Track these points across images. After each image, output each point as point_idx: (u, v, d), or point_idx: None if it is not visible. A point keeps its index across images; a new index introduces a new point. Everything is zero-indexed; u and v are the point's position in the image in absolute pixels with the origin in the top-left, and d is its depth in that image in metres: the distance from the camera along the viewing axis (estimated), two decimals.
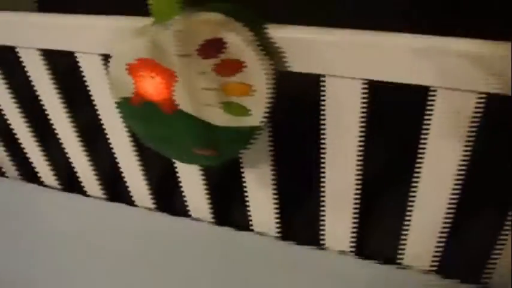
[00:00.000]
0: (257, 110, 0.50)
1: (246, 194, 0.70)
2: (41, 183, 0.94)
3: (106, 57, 0.61)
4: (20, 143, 0.88)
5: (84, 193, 0.90)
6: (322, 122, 0.56)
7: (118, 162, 0.79)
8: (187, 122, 0.53)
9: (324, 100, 0.54)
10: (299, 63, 0.50)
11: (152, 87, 0.51)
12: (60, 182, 0.93)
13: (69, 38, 0.62)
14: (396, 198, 0.64)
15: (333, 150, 0.58)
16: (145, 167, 0.78)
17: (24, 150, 0.89)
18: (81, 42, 0.62)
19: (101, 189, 0.87)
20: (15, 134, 0.86)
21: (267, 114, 0.51)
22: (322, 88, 0.53)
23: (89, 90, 0.69)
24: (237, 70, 0.47)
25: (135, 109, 0.55)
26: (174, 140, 0.56)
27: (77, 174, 0.87)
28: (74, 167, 0.86)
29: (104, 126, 0.74)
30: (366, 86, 0.51)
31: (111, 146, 0.76)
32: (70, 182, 0.91)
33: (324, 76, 0.52)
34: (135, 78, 0.52)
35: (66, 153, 0.84)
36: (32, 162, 0.91)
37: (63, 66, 0.71)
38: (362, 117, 0.54)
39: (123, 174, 0.81)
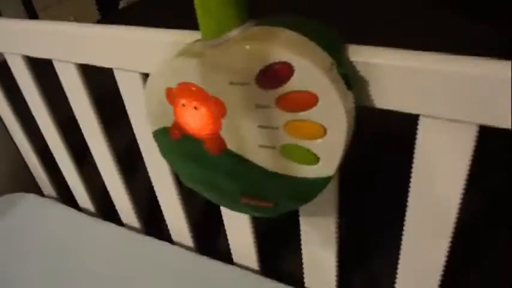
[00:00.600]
0: (329, 157, 0.38)
1: (301, 246, 0.57)
2: (77, 206, 0.87)
3: (147, 77, 0.51)
4: (57, 164, 0.81)
5: (118, 221, 0.81)
6: (411, 166, 0.43)
7: (156, 194, 0.69)
8: (237, 165, 0.41)
9: (415, 144, 0.40)
10: (390, 98, 0.37)
11: (195, 119, 0.40)
12: (96, 207, 0.85)
13: (106, 52, 0.53)
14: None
15: (422, 203, 0.44)
16: (185, 203, 0.68)
17: (62, 171, 0.82)
18: (119, 58, 0.52)
19: (137, 219, 0.78)
20: (53, 154, 0.79)
21: (340, 163, 0.38)
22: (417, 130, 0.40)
23: (128, 114, 0.59)
24: (307, 105, 0.35)
25: (173, 143, 0.44)
26: (219, 185, 0.45)
27: (113, 202, 0.78)
28: (109, 194, 0.77)
29: (142, 154, 0.64)
30: (477, 130, 0.37)
31: (148, 175, 0.66)
32: (106, 208, 0.83)
33: (417, 116, 0.39)
34: (175, 106, 0.41)
35: (103, 178, 0.75)
36: (68, 184, 0.84)
37: (101, 84, 0.63)
38: (468, 165, 0.40)
39: (160, 207, 0.71)
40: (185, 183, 0.49)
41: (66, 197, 0.89)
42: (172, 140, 0.44)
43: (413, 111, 0.38)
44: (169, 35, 0.45)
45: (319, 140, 0.37)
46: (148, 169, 0.65)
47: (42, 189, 0.92)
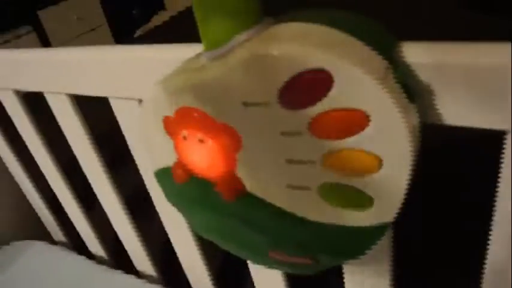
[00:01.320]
0: (387, 197, 0.27)
1: None
2: (89, 253, 0.78)
3: None
4: (65, 211, 0.72)
5: (133, 269, 0.71)
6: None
7: (170, 241, 0.59)
8: (260, 212, 0.31)
9: (501, 170, 0.29)
10: (471, 112, 0.27)
11: (201, 155, 0.30)
12: (108, 254, 0.75)
13: (95, 78, 0.44)
14: None
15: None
16: (205, 250, 0.57)
17: (70, 218, 0.73)
18: (111, 84, 0.43)
19: (152, 267, 0.67)
20: (60, 200, 0.71)
21: (401, 205, 0.27)
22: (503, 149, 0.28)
23: (131, 150, 0.50)
24: (354, 128, 0.24)
25: (178, 186, 0.34)
26: (241, 237, 0.34)
27: (126, 249, 0.69)
28: (120, 240, 0.68)
29: (151, 197, 0.54)
30: None
31: (161, 220, 0.56)
32: (119, 255, 0.73)
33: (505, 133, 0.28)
34: (176, 139, 0.31)
35: (112, 224, 0.65)
36: (77, 231, 0.75)
37: (106, 117, 0.54)
38: None
39: (177, 255, 0.60)
40: (198, 233, 0.39)
41: (77, 243, 0.80)
42: (177, 182, 0.34)
43: (502, 127, 0.27)
44: (166, 50, 0.36)
45: (372, 176, 0.26)
46: (159, 213, 0.55)
47: (53, 235, 0.84)
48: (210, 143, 0.28)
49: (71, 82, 0.47)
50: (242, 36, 0.25)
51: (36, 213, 0.81)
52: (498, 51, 0.24)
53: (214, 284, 0.60)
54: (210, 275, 0.59)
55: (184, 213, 0.38)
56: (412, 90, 0.25)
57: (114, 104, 0.46)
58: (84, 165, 0.58)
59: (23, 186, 0.77)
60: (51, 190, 0.70)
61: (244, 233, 0.34)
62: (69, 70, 0.46)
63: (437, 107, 0.27)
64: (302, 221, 0.30)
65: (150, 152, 0.35)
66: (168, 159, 0.34)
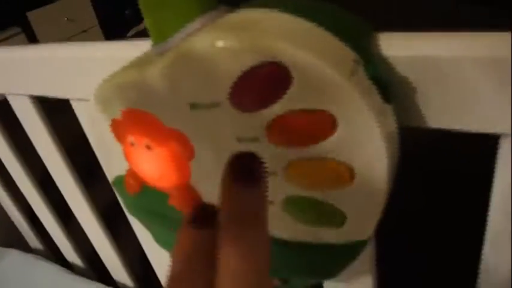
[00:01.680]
0: (361, 212, 0.23)
1: None
2: (66, 262, 0.74)
3: None
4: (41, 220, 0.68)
5: (109, 278, 0.67)
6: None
7: (146, 253, 0.55)
8: None
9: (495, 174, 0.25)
10: (463, 113, 0.23)
11: (150, 164, 0.26)
12: (85, 262, 0.71)
13: (54, 78, 0.40)
14: None
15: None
16: None
17: (46, 227, 0.69)
18: (71, 85, 0.39)
19: (129, 278, 0.64)
20: (32, 207, 0.67)
21: (379, 219, 0.24)
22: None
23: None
24: (319, 134, 0.20)
25: (133, 197, 0.31)
26: None
27: (102, 259, 0.65)
28: (97, 251, 0.64)
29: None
30: None
31: (135, 232, 0.53)
32: (96, 264, 0.69)
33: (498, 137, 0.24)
34: (124, 145, 0.27)
35: (88, 236, 0.62)
36: (54, 240, 0.71)
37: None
38: None
39: (155, 267, 0.56)
40: (161, 246, 0.35)
41: (53, 250, 0.76)
42: (129, 193, 0.30)
43: (499, 131, 0.23)
44: (114, 47, 0.32)
45: (344, 188, 0.22)
46: (131, 223, 0.51)
47: (29, 242, 0.80)
48: (158, 150, 0.25)
49: (31, 82, 0.43)
50: (190, 28, 0.22)
51: (11, 219, 0.77)
52: (495, 42, 0.21)
53: None
54: None
55: (144, 225, 0.34)
56: (388, 88, 0.21)
57: (76, 107, 0.43)
58: (55, 175, 0.55)
59: None
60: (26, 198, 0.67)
61: None
62: (29, 69, 0.42)
63: (419, 107, 0.23)
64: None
65: (104, 159, 0.31)
66: (119, 168, 0.30)
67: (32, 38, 1.77)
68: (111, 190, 0.47)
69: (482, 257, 0.29)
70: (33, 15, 1.77)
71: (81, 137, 0.49)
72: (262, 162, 0.17)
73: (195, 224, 0.18)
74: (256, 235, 0.17)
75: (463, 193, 0.47)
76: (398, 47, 0.22)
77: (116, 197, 0.46)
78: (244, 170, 0.17)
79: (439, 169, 0.50)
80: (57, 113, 0.52)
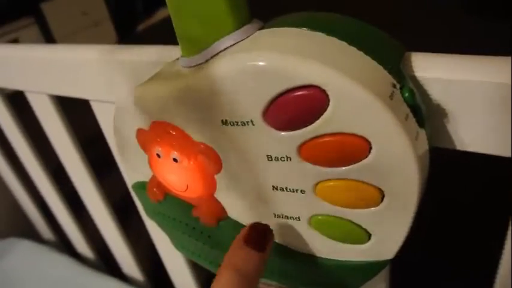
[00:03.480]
0: (387, 233, 0.22)
1: None
2: (77, 253, 0.73)
3: None
4: (53, 212, 0.68)
5: (119, 271, 0.66)
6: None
7: (157, 248, 0.54)
8: None
9: None
10: (491, 137, 0.22)
11: (177, 176, 0.25)
12: (96, 254, 0.71)
13: (76, 79, 0.39)
14: None
15: None
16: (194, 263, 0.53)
17: (57, 219, 0.69)
18: (91, 86, 0.39)
19: (140, 272, 0.63)
20: (45, 199, 0.66)
21: (402, 241, 0.23)
22: None
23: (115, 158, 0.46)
24: (352, 156, 0.20)
25: (154, 204, 0.30)
26: (221, 261, 0.30)
27: (113, 253, 0.64)
28: (108, 245, 0.63)
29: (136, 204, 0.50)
30: None
31: (147, 228, 0.52)
32: (106, 257, 0.69)
33: None
34: (150, 156, 0.27)
35: (99, 229, 0.61)
36: (65, 232, 0.71)
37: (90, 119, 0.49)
38: None
39: (166, 264, 0.56)
40: (179, 251, 0.35)
41: (65, 241, 0.76)
42: (153, 200, 0.29)
43: None
44: (143, 52, 0.31)
45: (371, 209, 0.22)
46: (144, 220, 0.51)
47: (41, 234, 0.80)
48: (186, 163, 0.24)
49: (51, 82, 0.43)
50: (224, 42, 0.21)
51: (24, 210, 0.77)
52: None
53: None
54: (197, 283, 0.55)
55: (164, 230, 0.34)
56: (422, 112, 0.20)
57: (96, 107, 0.42)
58: (69, 168, 0.54)
59: (10, 183, 0.72)
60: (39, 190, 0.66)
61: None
62: (49, 69, 0.42)
63: (449, 130, 0.23)
64: (289, 251, 0.26)
65: (124, 164, 0.31)
66: (144, 174, 0.29)
67: (45, 29, 1.76)
68: (123, 185, 0.46)
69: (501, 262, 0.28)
70: (46, 6, 1.76)
71: (94, 130, 0.48)
72: (272, 235, 0.23)
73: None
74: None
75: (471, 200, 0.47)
76: (433, 68, 0.22)
77: (128, 191, 0.46)
78: (257, 237, 0.22)
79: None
80: (72, 106, 0.52)
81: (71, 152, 0.50)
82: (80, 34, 1.89)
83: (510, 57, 0.21)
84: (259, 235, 0.22)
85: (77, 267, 0.67)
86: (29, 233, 0.79)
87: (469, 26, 0.83)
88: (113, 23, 2.02)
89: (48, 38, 1.76)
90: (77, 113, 0.61)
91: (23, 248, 0.73)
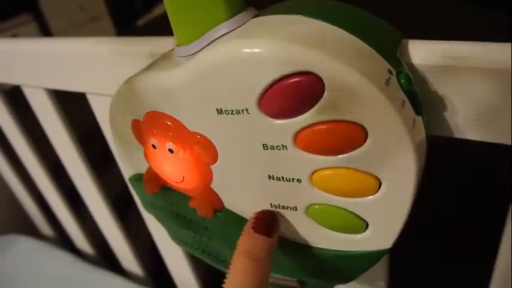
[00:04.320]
0: (384, 222, 0.22)
1: None
2: (76, 249, 0.73)
3: None
4: (52, 208, 0.68)
5: (120, 269, 0.67)
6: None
7: (156, 243, 0.54)
8: (240, 232, 0.26)
9: None
10: (494, 125, 0.22)
11: (173, 167, 0.25)
12: (95, 250, 0.71)
13: (71, 72, 0.39)
14: None
15: None
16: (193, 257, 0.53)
17: (56, 215, 0.69)
18: (87, 79, 0.39)
19: (139, 267, 0.63)
20: (43, 194, 0.66)
21: (400, 230, 0.23)
22: None
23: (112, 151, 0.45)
24: (348, 144, 0.20)
25: (150, 196, 0.30)
26: (220, 255, 0.30)
27: (112, 248, 0.64)
28: (108, 240, 0.63)
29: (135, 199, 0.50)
30: None
31: (145, 221, 0.52)
32: (106, 252, 0.69)
33: None
34: (145, 147, 0.26)
35: (98, 224, 0.61)
36: (65, 228, 0.71)
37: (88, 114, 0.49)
38: None
39: (165, 258, 0.56)
40: (177, 244, 0.35)
41: (65, 238, 0.76)
42: (149, 192, 0.29)
43: None
44: (139, 43, 0.31)
45: (368, 198, 0.21)
46: (143, 214, 0.51)
47: (40, 230, 0.80)
48: (181, 153, 0.24)
49: (47, 76, 0.43)
50: (219, 30, 0.21)
51: (23, 206, 0.77)
52: None
53: (200, 286, 0.56)
54: (196, 277, 0.55)
55: (160, 222, 0.34)
56: (419, 98, 0.20)
57: (92, 101, 0.42)
58: (67, 163, 0.54)
59: (8, 180, 0.72)
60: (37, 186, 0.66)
61: (223, 250, 0.29)
62: (45, 63, 0.41)
63: (446, 117, 0.22)
64: (287, 243, 0.26)
65: (122, 156, 0.31)
66: (139, 167, 0.29)
67: (43, 25, 1.76)
68: (122, 179, 0.46)
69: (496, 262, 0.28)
70: (44, 2, 1.75)
71: (92, 125, 0.48)
72: (278, 220, 0.24)
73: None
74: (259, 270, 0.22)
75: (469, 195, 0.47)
76: (431, 55, 0.21)
77: (127, 187, 0.46)
78: (264, 224, 0.24)
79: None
80: (70, 100, 0.52)
81: (69, 147, 0.50)
82: (78, 29, 1.89)
83: (510, 43, 0.21)
84: (266, 222, 0.24)
85: (77, 262, 0.67)
86: (28, 229, 0.79)
87: (467, 16, 0.82)
88: (111, 18, 2.02)
89: (47, 34, 1.75)
90: (74, 107, 0.61)
91: (23, 244, 0.73)
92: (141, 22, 2.03)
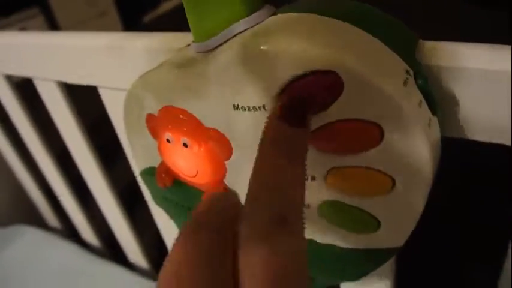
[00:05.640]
0: (396, 221, 0.22)
1: None
2: (84, 244, 0.74)
3: None
4: (59, 199, 0.68)
5: (125, 261, 0.67)
6: None
7: (163, 236, 0.55)
8: None
9: None
10: (502, 126, 0.22)
11: (187, 161, 0.25)
12: (101, 242, 0.71)
13: (83, 65, 0.39)
14: None
15: None
16: None
17: (64, 207, 0.69)
18: (99, 73, 0.39)
19: (145, 260, 0.64)
20: (51, 186, 0.66)
21: (412, 230, 0.23)
22: None
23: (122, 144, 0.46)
24: (364, 144, 0.20)
25: (162, 190, 0.30)
26: None
27: (118, 241, 0.65)
28: (114, 232, 0.63)
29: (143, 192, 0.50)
30: None
31: (152, 215, 0.52)
32: (112, 244, 0.69)
33: None
34: (160, 141, 0.27)
35: (105, 216, 0.61)
36: (71, 219, 0.71)
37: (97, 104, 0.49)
38: None
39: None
40: None
41: (71, 228, 0.76)
42: (161, 186, 0.29)
43: None
44: (152, 39, 0.31)
45: (382, 197, 0.21)
46: (150, 207, 0.51)
47: (46, 221, 0.80)
48: (195, 148, 0.24)
49: (59, 69, 0.43)
50: (236, 27, 0.21)
51: (30, 197, 0.77)
52: None
53: None
54: None
55: (171, 217, 0.34)
56: (435, 99, 0.20)
57: (104, 94, 0.42)
58: (75, 155, 0.54)
59: (16, 171, 0.72)
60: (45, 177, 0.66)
61: None
62: (57, 56, 0.41)
63: (460, 119, 0.22)
64: None
65: (134, 151, 0.31)
66: (152, 160, 0.29)
67: (51, 20, 1.76)
68: (131, 171, 0.46)
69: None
70: None
71: (101, 117, 0.48)
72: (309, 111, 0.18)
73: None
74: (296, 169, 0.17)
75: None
76: (443, 56, 0.21)
77: (135, 179, 0.46)
78: (294, 111, 0.18)
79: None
80: (79, 92, 0.51)
81: (78, 139, 0.50)
82: (86, 24, 1.89)
83: None
84: (296, 109, 0.18)
85: (82, 254, 0.67)
86: (35, 220, 0.79)
87: (468, 15, 0.82)
88: (118, 14, 2.01)
89: (54, 28, 1.75)
90: (84, 99, 0.61)
91: (29, 235, 0.73)
92: (147, 18, 2.03)
